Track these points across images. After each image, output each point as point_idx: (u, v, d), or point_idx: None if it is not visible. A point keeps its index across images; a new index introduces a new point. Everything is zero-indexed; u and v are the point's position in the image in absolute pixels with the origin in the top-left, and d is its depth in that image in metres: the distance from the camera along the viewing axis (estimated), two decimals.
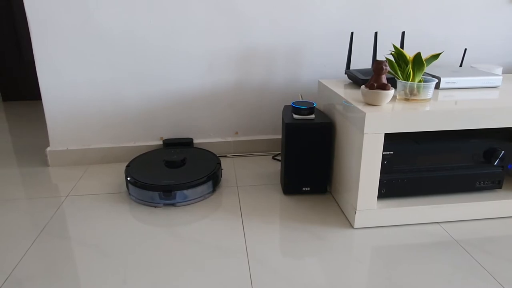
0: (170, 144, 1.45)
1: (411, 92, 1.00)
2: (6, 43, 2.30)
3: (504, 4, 1.48)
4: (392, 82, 1.10)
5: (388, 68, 0.95)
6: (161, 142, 1.48)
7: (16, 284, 0.83)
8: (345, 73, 1.27)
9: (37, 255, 0.93)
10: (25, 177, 1.35)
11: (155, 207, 1.14)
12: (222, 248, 0.95)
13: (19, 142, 1.69)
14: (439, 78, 1.13)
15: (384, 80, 0.95)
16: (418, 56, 0.98)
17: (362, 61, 1.49)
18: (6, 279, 0.85)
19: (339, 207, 1.13)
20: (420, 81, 1.01)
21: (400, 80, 1.01)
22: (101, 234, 1.01)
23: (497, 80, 1.15)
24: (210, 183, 1.19)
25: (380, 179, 1.02)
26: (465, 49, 1.33)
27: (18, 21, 2.26)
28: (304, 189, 1.19)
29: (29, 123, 1.95)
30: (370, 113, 0.92)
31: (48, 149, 1.43)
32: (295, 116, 1.14)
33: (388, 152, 1.01)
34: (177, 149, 1.39)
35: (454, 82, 1.14)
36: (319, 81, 1.30)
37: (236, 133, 1.53)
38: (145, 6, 1.31)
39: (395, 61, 1.02)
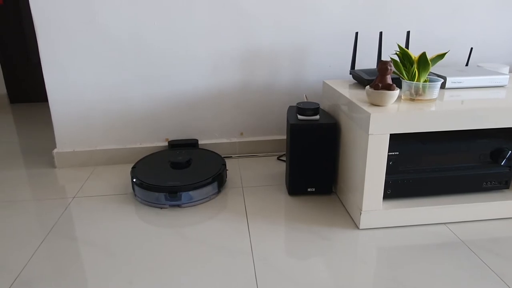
0: (175, 145, 1.45)
1: (417, 92, 1.00)
2: (14, 46, 2.32)
3: (510, 3, 1.47)
4: (397, 82, 1.09)
5: (393, 68, 0.95)
6: (166, 144, 1.49)
7: (25, 284, 0.84)
8: (350, 74, 1.26)
9: (45, 255, 0.94)
10: (33, 178, 1.36)
11: (161, 208, 1.15)
12: (227, 249, 0.95)
13: (27, 143, 1.71)
14: (445, 78, 1.13)
15: (389, 80, 0.95)
16: (423, 56, 0.97)
17: (367, 61, 1.49)
18: (15, 279, 0.86)
19: (345, 207, 1.13)
20: (425, 81, 1.01)
21: (405, 80, 1.01)
22: (107, 235, 1.02)
23: (503, 79, 1.14)
24: (215, 184, 1.20)
25: (385, 180, 1.02)
26: (471, 48, 1.32)
27: (26, 23, 2.29)
28: (309, 189, 1.19)
29: (36, 125, 1.97)
30: (375, 113, 0.91)
31: (55, 150, 1.44)
32: (299, 116, 1.14)
33: (393, 153, 1.01)
34: (182, 150, 1.39)
35: (460, 82, 1.13)
36: (323, 82, 1.30)
37: (241, 134, 1.53)
38: (149, 9, 1.32)
39: (400, 61, 1.02)
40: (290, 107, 1.27)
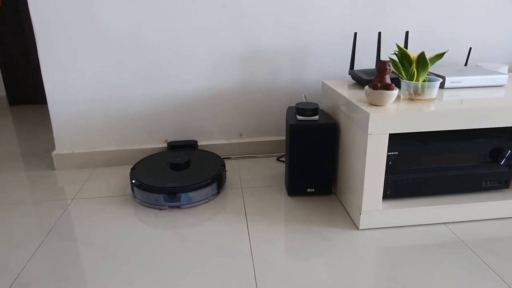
0: (174, 146, 1.45)
1: (416, 92, 1.00)
2: (14, 47, 2.32)
3: (509, 3, 1.47)
4: (396, 82, 1.09)
5: (392, 68, 0.95)
6: (165, 145, 1.49)
7: (24, 285, 0.84)
8: (349, 74, 1.26)
9: (44, 257, 0.94)
10: (32, 180, 1.36)
11: (160, 209, 1.15)
12: (227, 250, 0.95)
13: (26, 145, 1.71)
14: (444, 78, 1.13)
15: (388, 80, 0.95)
16: (422, 55, 0.97)
17: (367, 62, 1.49)
18: (14, 280, 0.86)
19: (344, 208, 1.13)
20: (424, 81, 1.01)
21: (404, 80, 1.01)
22: (106, 236, 1.02)
23: (503, 78, 1.14)
24: (214, 185, 1.20)
25: (385, 180, 1.02)
26: (470, 48, 1.32)
27: (25, 25, 2.29)
28: (308, 190, 1.19)
29: (35, 127, 1.97)
30: (374, 113, 0.91)
31: (54, 152, 1.44)
32: (298, 117, 1.14)
33: (392, 153, 1.00)
34: (182, 151, 1.39)
35: (459, 81, 1.13)
36: (322, 82, 1.30)
37: (241, 134, 1.53)
38: (149, 9, 1.32)
39: (399, 61, 1.02)
40: (289, 108, 1.27)
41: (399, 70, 1.02)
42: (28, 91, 2.41)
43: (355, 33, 1.25)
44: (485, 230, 1.01)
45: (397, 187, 1.04)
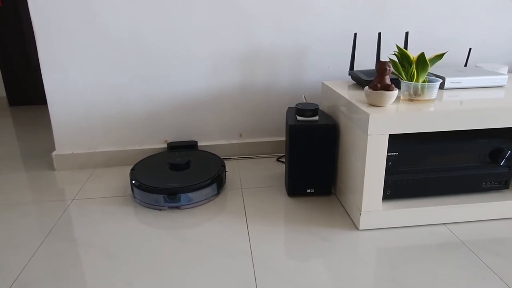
0: (174, 147, 1.45)
1: (415, 93, 1.00)
2: (13, 48, 2.32)
3: (509, 3, 1.47)
4: (396, 83, 1.09)
5: (392, 69, 0.95)
6: (165, 145, 1.49)
7: (24, 286, 0.84)
8: (349, 74, 1.26)
9: (44, 257, 0.94)
10: (32, 181, 1.36)
11: (160, 210, 1.15)
12: (227, 250, 0.95)
13: (26, 146, 1.71)
14: (443, 78, 1.13)
15: (388, 81, 0.95)
16: (422, 56, 0.97)
17: (367, 62, 1.49)
18: (14, 281, 0.86)
19: (344, 208, 1.13)
20: (424, 82, 1.01)
21: (404, 81, 1.01)
22: (106, 237, 1.02)
23: (502, 79, 1.14)
24: (214, 186, 1.20)
25: (385, 180, 1.02)
26: (470, 49, 1.32)
27: (26, 25, 2.29)
28: (308, 190, 1.19)
29: (35, 128, 1.97)
30: (374, 114, 0.91)
31: (54, 153, 1.44)
32: (298, 117, 1.14)
33: (392, 153, 1.00)
34: (182, 152, 1.39)
35: (459, 82, 1.13)
36: (322, 83, 1.30)
37: (241, 135, 1.53)
38: (149, 9, 1.32)
39: (399, 62, 1.02)
40: (289, 108, 1.26)
41: (399, 71, 1.02)
42: (28, 92, 2.41)
43: (355, 34, 1.25)
44: (485, 230, 1.01)
45: (397, 187, 1.04)
